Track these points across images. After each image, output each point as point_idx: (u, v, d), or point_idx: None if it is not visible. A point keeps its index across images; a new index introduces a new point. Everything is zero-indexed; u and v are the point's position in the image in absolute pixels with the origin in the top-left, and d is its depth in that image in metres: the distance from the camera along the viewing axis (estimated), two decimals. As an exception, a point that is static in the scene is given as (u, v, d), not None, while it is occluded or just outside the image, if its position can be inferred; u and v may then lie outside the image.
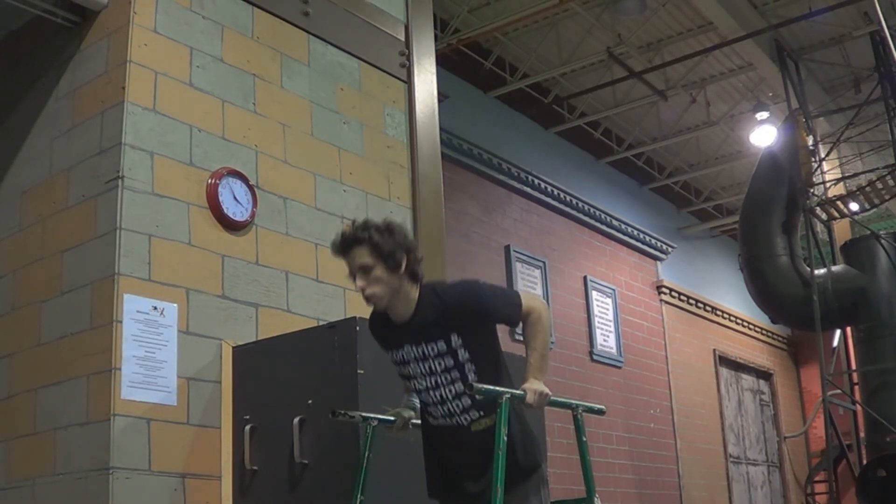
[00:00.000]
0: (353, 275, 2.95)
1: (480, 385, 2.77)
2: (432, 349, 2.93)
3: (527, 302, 2.97)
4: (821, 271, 9.04)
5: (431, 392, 2.97)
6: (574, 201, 9.97)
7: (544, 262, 9.30)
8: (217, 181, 4.17)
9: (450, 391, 2.94)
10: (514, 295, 3.02)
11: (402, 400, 3.24)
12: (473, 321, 2.93)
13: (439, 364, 2.93)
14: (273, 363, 3.90)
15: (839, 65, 10.07)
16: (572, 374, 9.23)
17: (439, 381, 2.95)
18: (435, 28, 6.60)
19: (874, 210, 9.86)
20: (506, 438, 2.74)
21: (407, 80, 5.36)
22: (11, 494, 3.92)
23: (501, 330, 3.08)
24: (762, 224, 9.10)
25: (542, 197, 9.51)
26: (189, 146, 4.15)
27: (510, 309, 2.96)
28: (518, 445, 2.90)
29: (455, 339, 2.91)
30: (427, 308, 2.94)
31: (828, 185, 10.03)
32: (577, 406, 3.11)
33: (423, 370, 2.96)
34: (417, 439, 3.42)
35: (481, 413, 2.91)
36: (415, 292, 2.95)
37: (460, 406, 2.94)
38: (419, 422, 3.19)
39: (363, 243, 2.88)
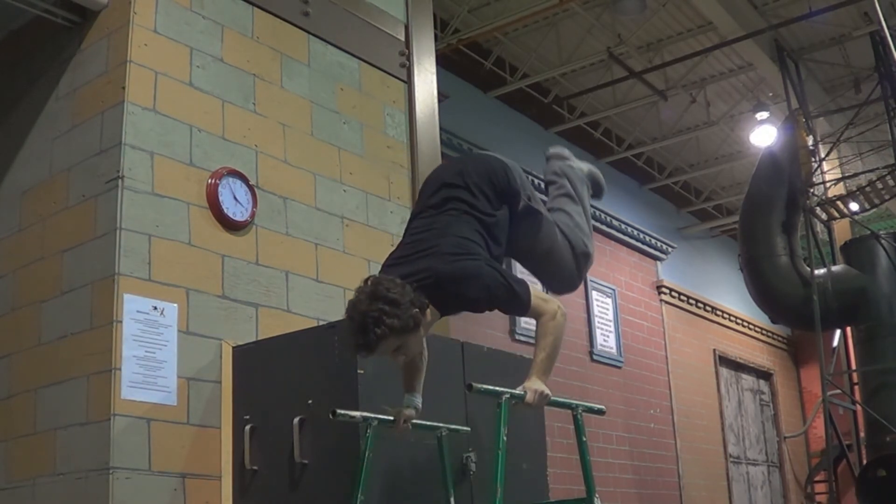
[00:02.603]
0: (384, 356, 2.95)
1: (480, 385, 2.77)
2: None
3: (538, 305, 2.97)
4: (821, 271, 9.03)
5: None
6: (574, 201, 9.95)
7: (544, 263, 9.29)
8: (217, 181, 4.17)
9: None
10: (523, 294, 2.97)
11: (403, 399, 3.25)
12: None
13: None
14: (273, 363, 3.90)
15: (839, 65, 10.07)
16: (572, 374, 9.23)
17: None
18: (435, 28, 6.59)
19: (874, 210, 9.85)
20: (505, 439, 2.75)
21: (407, 80, 5.36)
22: (11, 494, 3.92)
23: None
24: (762, 224, 9.10)
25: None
26: (189, 146, 4.15)
27: (517, 308, 3.01)
28: None
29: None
30: (451, 306, 2.99)
31: (828, 185, 10.02)
32: (577, 406, 3.12)
33: None
34: (417, 439, 3.43)
35: None
36: (433, 313, 2.94)
37: None
38: (419, 422, 3.20)
39: (386, 338, 2.79)
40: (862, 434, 9.29)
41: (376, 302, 2.76)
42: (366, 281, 2.86)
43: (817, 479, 12.13)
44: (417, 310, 2.81)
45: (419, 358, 3.26)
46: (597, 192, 3.72)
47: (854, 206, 9.66)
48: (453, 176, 3.18)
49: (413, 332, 2.82)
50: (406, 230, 3.20)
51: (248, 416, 3.87)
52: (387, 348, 2.82)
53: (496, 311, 3.04)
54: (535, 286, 3.09)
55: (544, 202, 3.45)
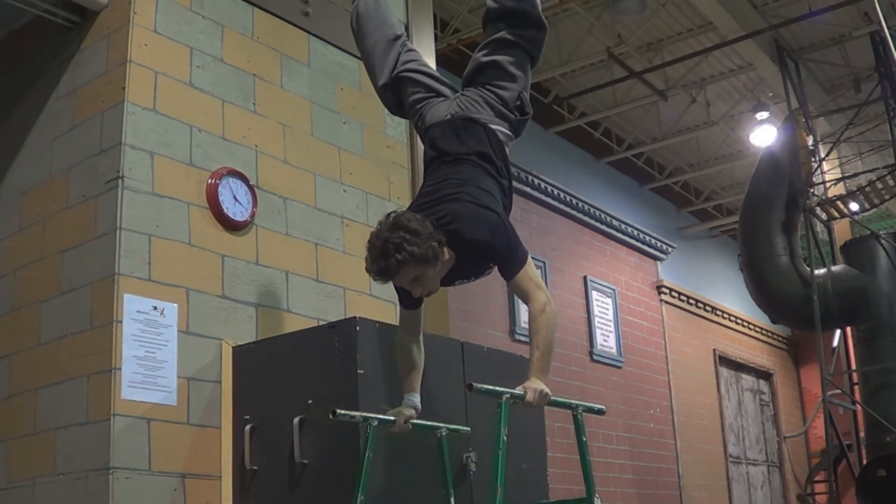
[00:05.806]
0: (402, 286, 3.04)
1: (480, 385, 2.77)
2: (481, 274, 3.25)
3: (529, 286, 3.03)
4: (821, 271, 9.03)
5: None
6: (574, 201, 9.97)
7: (544, 262, 9.30)
8: (217, 181, 4.17)
9: None
10: (521, 257, 3.07)
11: (403, 399, 3.25)
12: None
13: None
14: (273, 363, 3.90)
15: (839, 65, 10.07)
16: (572, 374, 9.23)
17: None
18: (435, 28, 6.59)
19: (874, 210, 9.86)
20: (505, 439, 2.75)
21: (407, 80, 5.35)
22: (11, 494, 3.92)
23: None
24: (762, 224, 9.10)
25: (542, 197, 9.51)
26: (189, 146, 4.15)
27: (510, 267, 3.07)
28: None
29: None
30: (468, 253, 3.05)
31: (828, 185, 10.02)
32: (577, 406, 3.11)
33: None
34: (417, 439, 3.43)
35: None
36: (451, 254, 3.02)
37: None
38: (419, 422, 3.21)
39: (406, 264, 2.88)
40: (862, 434, 9.30)
41: (398, 230, 2.88)
42: (387, 216, 2.98)
43: (817, 479, 12.12)
44: (437, 243, 2.91)
45: (418, 355, 3.28)
46: None
47: (854, 206, 9.66)
48: (456, 144, 3.27)
49: (432, 264, 2.92)
50: (424, 181, 3.30)
51: (248, 416, 3.88)
52: (405, 276, 2.93)
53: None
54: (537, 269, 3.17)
55: None
